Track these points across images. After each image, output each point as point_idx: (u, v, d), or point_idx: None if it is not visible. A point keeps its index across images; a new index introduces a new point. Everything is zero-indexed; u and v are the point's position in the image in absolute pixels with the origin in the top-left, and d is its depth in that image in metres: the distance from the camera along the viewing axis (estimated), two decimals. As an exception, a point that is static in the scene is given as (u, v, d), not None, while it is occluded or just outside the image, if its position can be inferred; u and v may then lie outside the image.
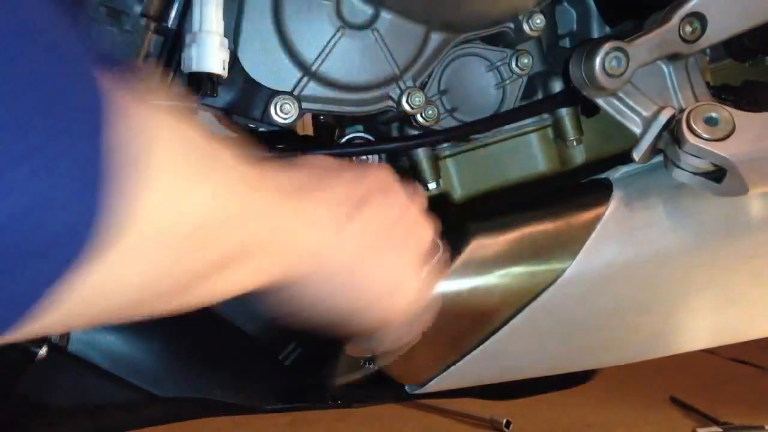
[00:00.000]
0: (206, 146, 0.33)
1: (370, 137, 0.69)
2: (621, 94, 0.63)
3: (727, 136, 0.61)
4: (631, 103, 0.64)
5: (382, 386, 0.72)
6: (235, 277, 0.36)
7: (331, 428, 1.38)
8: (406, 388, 0.71)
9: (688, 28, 0.62)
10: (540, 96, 0.71)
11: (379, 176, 0.48)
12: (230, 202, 0.34)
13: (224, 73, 0.58)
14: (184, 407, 0.76)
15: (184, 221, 0.31)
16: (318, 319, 0.45)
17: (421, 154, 0.69)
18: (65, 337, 0.67)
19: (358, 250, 0.43)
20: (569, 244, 0.65)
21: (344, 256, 0.43)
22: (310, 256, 0.40)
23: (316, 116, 0.73)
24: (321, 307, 0.44)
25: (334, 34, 0.62)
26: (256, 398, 0.77)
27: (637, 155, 0.64)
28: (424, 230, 0.49)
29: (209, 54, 0.57)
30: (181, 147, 0.31)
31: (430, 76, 0.67)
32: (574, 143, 0.71)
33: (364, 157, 0.67)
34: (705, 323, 0.70)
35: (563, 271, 0.65)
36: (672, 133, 0.62)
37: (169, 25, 0.59)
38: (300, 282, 0.42)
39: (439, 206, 0.70)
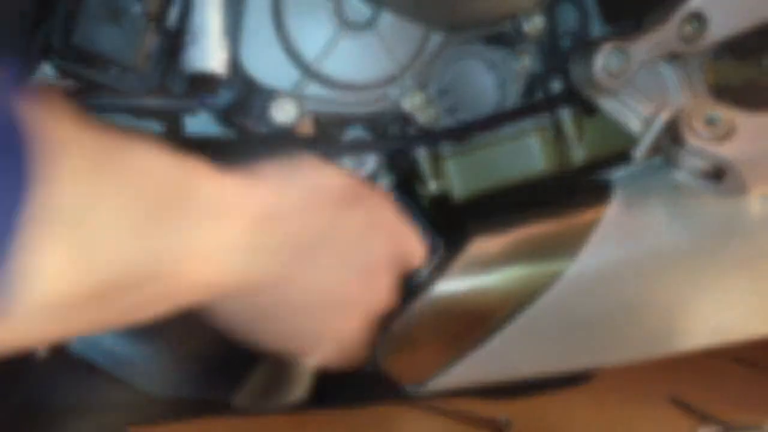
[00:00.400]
0: (107, 178, 0.31)
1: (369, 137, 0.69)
2: (621, 94, 0.63)
3: (728, 136, 0.61)
4: (631, 103, 0.64)
5: (382, 386, 0.71)
6: (140, 303, 0.34)
7: (331, 428, 1.38)
8: (406, 388, 0.71)
9: (689, 28, 0.62)
10: (540, 96, 0.71)
11: (326, 179, 0.43)
12: (128, 247, 0.32)
13: (224, 73, 0.58)
14: (184, 407, 0.76)
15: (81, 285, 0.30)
16: (265, 341, 0.42)
17: (421, 154, 0.69)
18: (65, 337, 0.67)
19: (283, 267, 0.39)
20: (569, 244, 0.65)
21: (264, 276, 0.39)
22: (219, 283, 0.37)
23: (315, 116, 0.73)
24: (260, 329, 0.41)
25: (335, 34, 0.62)
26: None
27: (637, 155, 0.64)
28: (384, 237, 0.44)
29: (210, 53, 0.57)
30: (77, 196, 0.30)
31: (430, 76, 0.67)
32: (575, 143, 0.71)
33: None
34: (705, 323, 0.70)
35: (563, 271, 0.65)
36: (672, 133, 0.62)
37: (170, 25, 0.59)
38: (223, 303, 0.39)
39: (439, 206, 0.70)
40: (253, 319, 0.41)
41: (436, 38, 0.64)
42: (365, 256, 0.43)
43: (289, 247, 0.39)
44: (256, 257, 0.38)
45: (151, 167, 0.33)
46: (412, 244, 0.47)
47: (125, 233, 0.31)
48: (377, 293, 0.45)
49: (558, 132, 0.71)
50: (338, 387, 0.80)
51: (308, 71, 0.62)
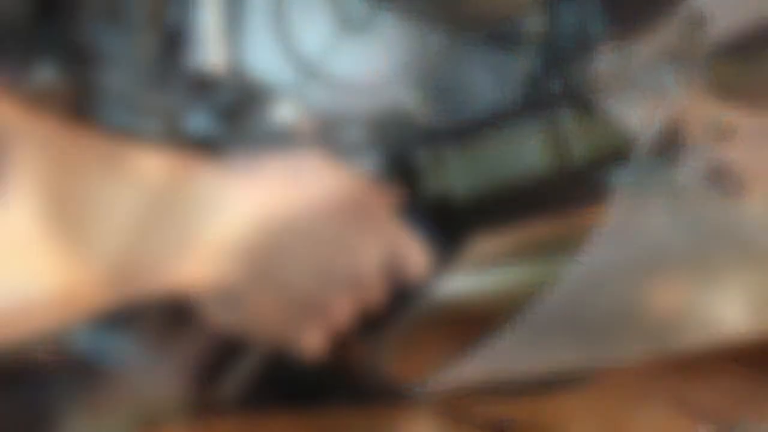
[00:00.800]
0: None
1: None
2: (621, 94, 0.63)
3: (728, 137, 0.61)
4: (631, 103, 0.64)
5: (382, 386, 0.72)
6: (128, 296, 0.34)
7: (331, 428, 1.38)
8: (406, 388, 0.71)
9: (689, 28, 0.62)
10: (540, 96, 0.71)
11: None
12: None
13: (224, 73, 0.58)
14: (185, 407, 0.76)
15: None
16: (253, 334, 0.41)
17: (421, 154, 0.69)
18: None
19: (263, 266, 0.39)
20: (569, 244, 0.65)
21: (245, 274, 0.39)
22: (206, 281, 0.37)
23: (315, 116, 0.73)
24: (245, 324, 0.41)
25: (335, 34, 0.62)
26: (256, 398, 0.77)
27: (637, 155, 0.64)
28: (376, 243, 0.44)
29: (209, 53, 0.57)
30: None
31: (430, 76, 0.67)
32: (575, 143, 0.71)
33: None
34: (705, 323, 0.70)
35: (563, 271, 0.65)
36: (672, 133, 0.62)
37: (169, 24, 0.59)
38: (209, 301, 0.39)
39: (439, 206, 0.70)
40: (237, 316, 0.41)
41: (436, 38, 0.64)
42: (350, 261, 0.43)
43: (273, 247, 0.39)
44: (242, 256, 0.38)
45: (146, 166, 0.33)
46: (408, 252, 0.46)
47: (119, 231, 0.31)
48: (358, 299, 0.45)
49: (558, 132, 0.71)
50: (338, 387, 0.80)
51: (308, 71, 0.62)
